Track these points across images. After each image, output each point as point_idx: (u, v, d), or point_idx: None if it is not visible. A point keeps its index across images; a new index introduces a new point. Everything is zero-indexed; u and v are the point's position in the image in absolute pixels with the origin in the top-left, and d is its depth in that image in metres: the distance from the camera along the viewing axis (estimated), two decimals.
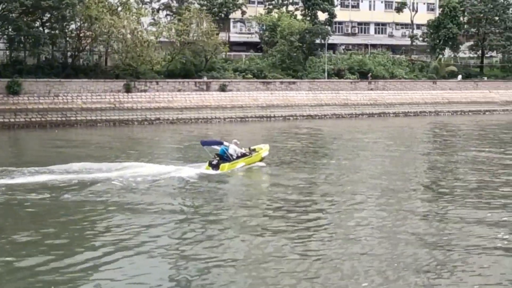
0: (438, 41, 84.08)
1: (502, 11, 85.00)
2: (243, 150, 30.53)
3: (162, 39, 65.74)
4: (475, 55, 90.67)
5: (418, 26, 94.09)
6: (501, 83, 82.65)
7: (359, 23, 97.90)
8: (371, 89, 72.67)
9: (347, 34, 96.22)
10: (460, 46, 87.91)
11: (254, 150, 31.27)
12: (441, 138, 48.62)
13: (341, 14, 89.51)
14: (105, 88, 59.39)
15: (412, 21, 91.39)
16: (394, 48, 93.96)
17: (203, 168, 28.90)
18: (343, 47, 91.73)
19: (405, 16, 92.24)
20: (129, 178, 26.25)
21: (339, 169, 29.98)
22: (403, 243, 17.03)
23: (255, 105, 64.56)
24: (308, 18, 77.89)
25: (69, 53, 63.57)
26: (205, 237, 18.02)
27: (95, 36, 61.09)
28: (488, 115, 74.62)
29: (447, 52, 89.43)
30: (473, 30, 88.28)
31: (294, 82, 68.98)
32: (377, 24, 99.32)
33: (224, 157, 29.40)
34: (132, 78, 60.92)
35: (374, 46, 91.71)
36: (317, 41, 74.66)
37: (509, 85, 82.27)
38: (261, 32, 78.23)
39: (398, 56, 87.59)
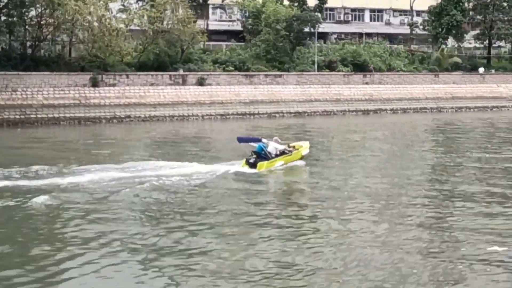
0: (440, 29, 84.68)
1: None
2: (282, 148, 31.61)
3: (133, 27, 66.13)
4: (482, 45, 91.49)
5: (418, 13, 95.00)
6: (510, 76, 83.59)
7: (353, 10, 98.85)
8: (366, 83, 73.40)
9: (340, 22, 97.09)
10: (465, 35, 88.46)
11: (294, 147, 32.42)
12: (445, 138, 49.25)
13: (333, 0, 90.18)
14: (69, 82, 59.76)
15: (411, 7, 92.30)
16: (391, 37, 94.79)
17: (239, 166, 30.09)
18: (335, 36, 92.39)
19: (403, 2, 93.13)
20: (164, 178, 27.42)
21: (334, 173, 30.66)
22: (403, 252, 17.60)
23: (237, 101, 65.16)
24: (296, 4, 78.41)
25: (28, 43, 63.84)
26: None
27: (58, 24, 61.37)
28: (496, 111, 75.54)
29: (451, 41, 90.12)
30: (479, 17, 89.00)
31: (280, 75, 69.64)
32: (372, 10, 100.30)
33: (261, 155, 30.51)
34: (99, 71, 61.29)
35: (369, 35, 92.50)
36: (306, 29, 75.07)
37: None
38: (243, 19, 78.76)
39: (396, 46, 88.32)
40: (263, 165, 29.83)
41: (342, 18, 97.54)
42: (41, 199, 23.43)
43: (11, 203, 23.35)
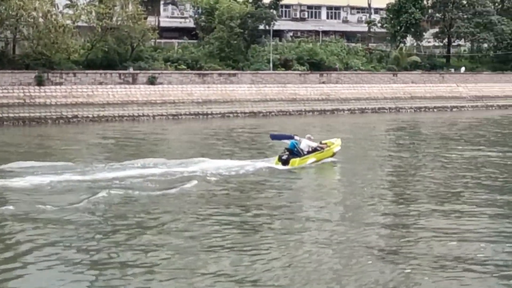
0: (399, 27, 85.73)
1: None
2: (315, 145, 33.15)
3: (80, 23, 65.81)
4: (441, 44, 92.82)
5: (376, 11, 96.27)
6: (469, 76, 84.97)
7: (309, 7, 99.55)
8: (323, 82, 73.94)
9: (295, 19, 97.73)
10: (424, 33, 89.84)
11: (326, 144, 33.84)
12: (404, 139, 49.66)
13: None
14: (12, 81, 59.37)
15: (369, 5, 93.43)
16: (349, 36, 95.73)
17: (273, 163, 31.69)
18: (291, 34, 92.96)
19: None
20: (198, 172, 29.28)
21: (294, 177, 30.77)
22: (363, 256, 17.93)
23: (190, 101, 65.28)
24: (251, 1, 78.50)
25: None
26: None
27: (1, 19, 60.84)
28: (456, 111, 76.77)
29: (409, 40, 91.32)
30: (438, 15, 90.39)
31: (234, 74, 69.91)
32: (329, 7, 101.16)
33: (294, 152, 32.01)
34: (45, 69, 60.98)
35: (326, 33, 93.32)
36: (261, 27, 75.70)
37: (478, 78, 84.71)
38: (196, 16, 78.93)
39: (353, 44, 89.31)
40: (295, 162, 31.48)
41: (298, 16, 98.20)
42: None
43: None
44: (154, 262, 17.24)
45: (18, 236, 19.63)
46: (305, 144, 32.65)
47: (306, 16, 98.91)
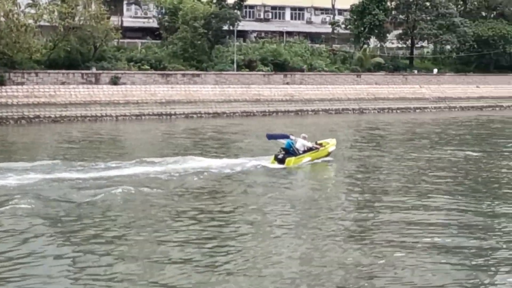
0: (362, 29, 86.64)
1: None
2: (310, 144, 34.24)
3: (42, 23, 65.67)
4: (404, 45, 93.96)
5: (340, 12, 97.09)
6: (432, 77, 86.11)
7: (273, 8, 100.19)
8: (287, 83, 74.45)
9: (260, 20, 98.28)
10: (388, 35, 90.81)
11: (321, 144, 34.86)
12: (368, 139, 50.20)
13: None
14: None
15: (333, 6, 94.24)
16: (313, 36, 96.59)
17: (268, 162, 32.73)
18: (255, 34, 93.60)
19: (325, 0, 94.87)
20: (198, 170, 30.38)
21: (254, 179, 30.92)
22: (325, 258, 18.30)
23: (153, 101, 65.49)
24: (215, 1, 78.95)
25: None
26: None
27: None
28: (419, 113, 77.72)
29: (373, 41, 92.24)
30: (401, 17, 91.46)
31: (198, 75, 70.23)
32: (293, 8, 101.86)
33: (290, 151, 33.16)
34: (6, 69, 60.80)
35: (290, 33, 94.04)
36: (225, 27, 76.08)
37: (441, 79, 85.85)
38: (159, 16, 79.08)
39: (317, 45, 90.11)
40: (291, 161, 32.56)
41: (262, 16, 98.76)
42: None
43: None
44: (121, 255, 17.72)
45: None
46: (300, 143, 33.78)
47: (270, 16, 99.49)
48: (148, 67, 68.53)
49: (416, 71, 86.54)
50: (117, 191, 25.34)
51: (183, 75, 69.24)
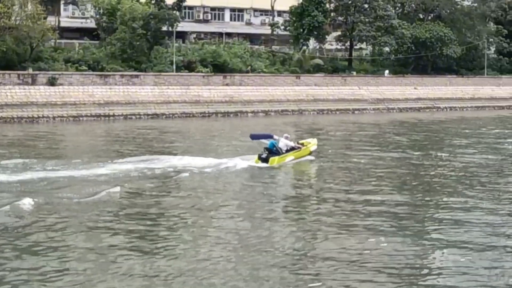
0: (301, 30, 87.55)
1: None
2: (293, 144, 35.38)
3: None
4: (343, 47, 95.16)
5: (280, 13, 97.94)
6: (371, 78, 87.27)
7: (213, 9, 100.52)
8: (227, 85, 74.73)
9: (199, 21, 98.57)
10: (327, 36, 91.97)
11: (302, 144, 36.06)
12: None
13: None
14: None
15: (272, 7, 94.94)
16: (252, 38, 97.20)
17: (252, 162, 33.71)
18: (194, 35, 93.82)
19: (264, 2, 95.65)
20: (182, 169, 31.19)
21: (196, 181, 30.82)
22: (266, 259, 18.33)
23: (91, 102, 65.26)
24: (154, 2, 78.96)
25: None
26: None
27: None
28: (358, 114, 78.59)
29: (312, 43, 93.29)
30: (340, 18, 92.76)
31: (137, 76, 70.22)
32: (233, 9, 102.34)
33: (273, 151, 34.26)
34: None
35: (229, 35, 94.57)
36: (164, 28, 76.22)
37: (379, 81, 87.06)
38: (97, 16, 78.71)
39: (257, 46, 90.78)
40: (274, 160, 33.60)
41: (201, 17, 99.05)
42: None
43: None
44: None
45: None
46: (283, 143, 34.86)
47: (209, 18, 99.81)
48: (86, 68, 68.34)
49: (354, 73, 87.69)
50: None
51: (122, 76, 69.11)
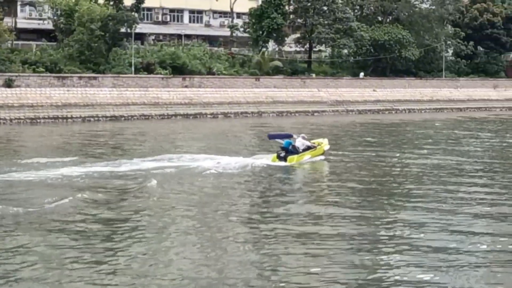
0: (261, 32, 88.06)
1: (331, 1, 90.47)
2: (309, 143, 36.75)
3: None
4: (302, 49, 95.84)
5: (239, 15, 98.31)
6: (330, 80, 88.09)
7: (171, 10, 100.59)
8: (186, 86, 74.94)
9: (158, 23, 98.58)
10: (286, 38, 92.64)
11: (315, 143, 37.77)
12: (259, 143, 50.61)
13: (151, 0, 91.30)
14: None
15: (231, 9, 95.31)
16: (211, 40, 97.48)
17: (269, 160, 35.12)
18: (153, 37, 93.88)
19: (224, 3, 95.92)
20: (203, 168, 32.19)
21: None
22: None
23: (49, 104, 65.14)
24: (112, 3, 78.76)
25: None
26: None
27: None
28: (317, 116, 79.24)
29: (271, 45, 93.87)
30: (300, 21, 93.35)
31: (95, 78, 70.20)
32: (192, 11, 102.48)
33: (288, 150, 35.47)
34: None
35: (188, 36, 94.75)
36: (123, 30, 76.10)
37: (338, 83, 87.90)
38: (55, 18, 78.40)
39: (216, 48, 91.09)
40: (293, 159, 34.99)
41: (160, 19, 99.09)
42: None
43: None
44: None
45: None
46: (300, 142, 36.16)
47: (168, 19, 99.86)
48: (44, 70, 68.12)
49: (314, 75, 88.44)
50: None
51: (80, 78, 69.04)
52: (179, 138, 52.39)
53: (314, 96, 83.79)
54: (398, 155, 40.64)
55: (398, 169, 34.57)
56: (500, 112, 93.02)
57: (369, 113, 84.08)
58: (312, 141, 38.18)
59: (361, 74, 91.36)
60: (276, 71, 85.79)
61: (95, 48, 72.30)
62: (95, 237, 19.79)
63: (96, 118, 66.21)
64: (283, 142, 36.28)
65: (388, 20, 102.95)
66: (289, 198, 26.51)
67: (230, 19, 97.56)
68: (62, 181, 28.99)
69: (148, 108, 70.47)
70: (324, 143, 38.33)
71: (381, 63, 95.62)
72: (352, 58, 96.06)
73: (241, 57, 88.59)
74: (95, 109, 67.21)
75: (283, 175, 32.48)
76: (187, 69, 77.32)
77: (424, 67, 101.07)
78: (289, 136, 37.31)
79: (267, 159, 35.42)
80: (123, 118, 67.46)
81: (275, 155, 35.45)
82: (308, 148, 36.50)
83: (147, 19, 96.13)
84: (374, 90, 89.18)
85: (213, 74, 78.76)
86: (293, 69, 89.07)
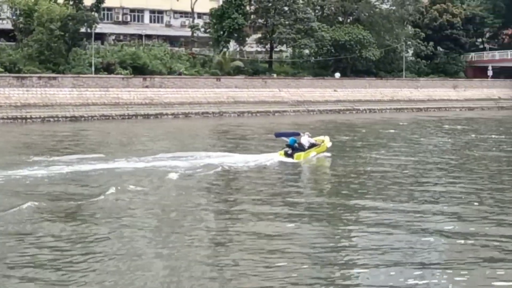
0: (222, 32, 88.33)
1: (292, 1, 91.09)
2: (314, 141, 38.48)
3: None
4: (264, 49, 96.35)
5: (200, 15, 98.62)
6: (291, 81, 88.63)
7: (132, 10, 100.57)
8: (147, 87, 75.04)
9: (118, 23, 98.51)
10: (247, 38, 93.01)
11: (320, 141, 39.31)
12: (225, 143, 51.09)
13: (111, 0, 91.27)
14: None
15: (192, 9, 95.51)
16: (172, 40, 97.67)
17: (278, 157, 36.62)
18: (113, 37, 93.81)
19: (184, 3, 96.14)
20: (216, 166, 33.04)
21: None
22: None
23: (7, 105, 64.94)
24: (72, 3, 78.55)
25: None
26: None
27: None
28: (278, 116, 79.62)
29: (232, 45, 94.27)
30: (261, 21, 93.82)
31: (55, 78, 70.08)
32: (152, 11, 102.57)
33: (294, 147, 36.98)
34: None
35: (149, 37, 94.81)
36: (83, 29, 76.12)
37: (299, 83, 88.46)
38: (14, 17, 78.14)
39: (177, 48, 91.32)
40: (300, 156, 36.51)
41: (120, 19, 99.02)
42: None
43: None
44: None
45: None
46: (305, 140, 37.75)
47: (128, 19, 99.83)
48: (2, 70, 67.94)
49: (275, 75, 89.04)
50: None
51: (39, 78, 68.87)
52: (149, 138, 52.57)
53: (275, 96, 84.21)
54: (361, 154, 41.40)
55: (361, 168, 35.15)
56: (459, 112, 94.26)
57: (330, 113, 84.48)
58: (315, 138, 39.67)
59: (337, 74, 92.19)
60: (237, 71, 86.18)
61: (54, 48, 72.17)
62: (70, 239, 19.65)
63: (56, 119, 66.06)
64: (288, 140, 37.81)
65: (348, 20, 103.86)
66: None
67: (191, 19, 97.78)
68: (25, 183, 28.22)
69: (108, 108, 70.44)
70: (326, 141, 39.93)
71: (341, 63, 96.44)
72: (313, 58, 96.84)
73: (202, 57, 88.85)
74: (55, 110, 67.06)
75: (292, 172, 33.84)
76: (148, 69, 77.48)
77: (385, 67, 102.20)
78: (296, 134, 38.84)
79: (276, 156, 37.05)
80: (83, 119, 67.38)
81: (282, 151, 37.06)
82: (312, 145, 38.13)
83: (107, 19, 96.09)
84: (335, 90, 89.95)
85: (180, 74, 78.94)
86: (254, 69, 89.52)
